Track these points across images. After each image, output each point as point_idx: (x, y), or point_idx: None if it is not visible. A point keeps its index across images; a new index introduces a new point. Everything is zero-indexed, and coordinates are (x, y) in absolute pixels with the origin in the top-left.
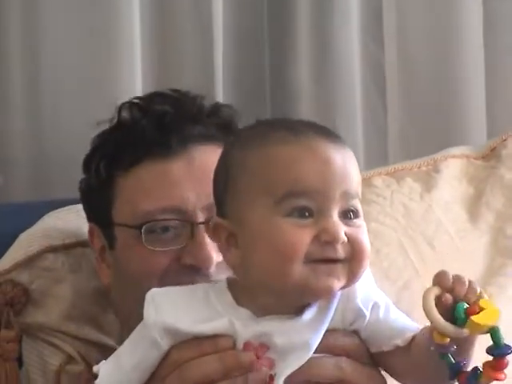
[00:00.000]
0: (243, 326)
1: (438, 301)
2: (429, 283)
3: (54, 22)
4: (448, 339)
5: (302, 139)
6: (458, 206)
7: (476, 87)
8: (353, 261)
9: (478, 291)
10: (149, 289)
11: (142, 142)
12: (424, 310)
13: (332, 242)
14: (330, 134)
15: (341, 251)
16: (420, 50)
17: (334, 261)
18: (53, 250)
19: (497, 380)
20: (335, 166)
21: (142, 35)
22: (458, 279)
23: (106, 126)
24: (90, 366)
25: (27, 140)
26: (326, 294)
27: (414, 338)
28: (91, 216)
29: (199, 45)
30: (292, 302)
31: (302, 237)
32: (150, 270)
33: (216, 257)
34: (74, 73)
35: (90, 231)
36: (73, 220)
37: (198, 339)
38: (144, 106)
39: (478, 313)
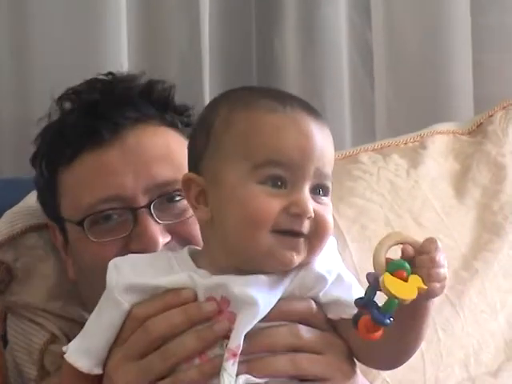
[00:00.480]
0: (202, 278)
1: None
2: None
3: None
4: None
5: (288, 110)
6: (444, 182)
7: (463, 63)
8: (315, 236)
9: (433, 264)
10: (102, 278)
11: (74, 135)
12: (379, 242)
13: (300, 215)
14: (313, 111)
15: (306, 225)
16: (407, 27)
17: (298, 234)
18: (37, 228)
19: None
20: (315, 141)
21: (128, 11)
22: (424, 245)
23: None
24: None
25: (14, 114)
26: (285, 267)
27: None
28: (46, 213)
29: (185, 20)
30: (251, 267)
31: (272, 205)
32: (100, 262)
33: (162, 238)
34: (61, 45)
35: (51, 228)
36: None
37: (159, 294)
38: (74, 98)
39: (402, 279)
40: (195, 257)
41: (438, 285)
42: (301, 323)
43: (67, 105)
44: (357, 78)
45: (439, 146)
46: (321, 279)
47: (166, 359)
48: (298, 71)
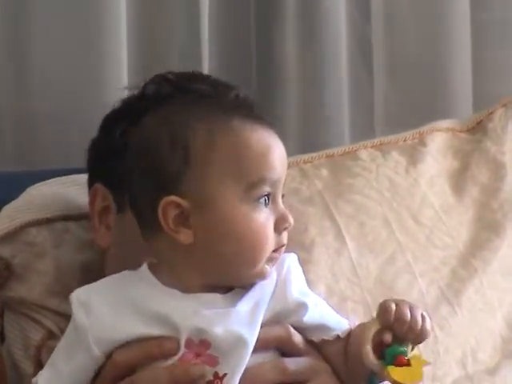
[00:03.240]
0: (182, 319)
1: (377, 336)
2: (412, 257)
3: None
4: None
5: (263, 127)
6: (443, 179)
7: (463, 60)
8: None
9: (418, 330)
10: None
11: None
12: (359, 340)
13: (287, 228)
14: (273, 125)
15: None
16: (407, 23)
17: (282, 247)
18: (36, 224)
19: None
20: (284, 154)
21: (127, 3)
22: (399, 317)
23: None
24: None
25: (13, 106)
26: (263, 279)
27: (350, 333)
28: (101, 176)
29: (185, 12)
30: (226, 284)
31: (270, 228)
32: None
33: None
34: (61, 36)
35: (94, 192)
36: (57, 193)
37: (141, 343)
38: (181, 84)
39: (404, 365)
40: (156, 273)
41: (428, 334)
42: (278, 348)
43: (165, 86)
44: (356, 74)
45: (438, 144)
46: (302, 306)
47: None
48: (297, 66)
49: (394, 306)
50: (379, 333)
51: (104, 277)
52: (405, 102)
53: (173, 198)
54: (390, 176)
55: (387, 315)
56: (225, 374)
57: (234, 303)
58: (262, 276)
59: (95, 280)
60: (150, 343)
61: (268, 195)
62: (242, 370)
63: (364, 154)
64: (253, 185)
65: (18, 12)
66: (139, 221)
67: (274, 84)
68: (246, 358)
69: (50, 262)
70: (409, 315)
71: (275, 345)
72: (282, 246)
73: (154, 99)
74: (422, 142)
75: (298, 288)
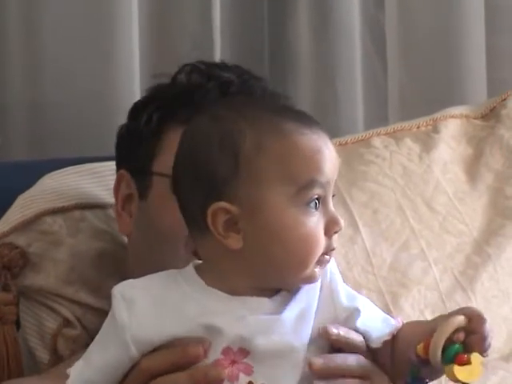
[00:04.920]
0: (226, 325)
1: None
2: (426, 244)
3: None
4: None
5: (313, 130)
6: (456, 166)
7: (476, 47)
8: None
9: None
10: (176, 243)
11: (204, 101)
12: (437, 331)
13: (338, 231)
14: (323, 128)
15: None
16: (420, 10)
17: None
18: (51, 212)
19: None
20: (336, 158)
21: None
22: (481, 333)
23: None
24: (86, 330)
25: (27, 96)
26: (312, 282)
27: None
28: (126, 162)
29: (197, 1)
30: (273, 287)
31: (321, 231)
32: (181, 226)
33: None
34: (72, 27)
35: (119, 178)
36: (72, 182)
37: (168, 349)
38: (209, 71)
39: (463, 364)
40: (202, 274)
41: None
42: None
43: (195, 74)
44: (369, 61)
45: (452, 130)
46: (354, 312)
47: None
48: (310, 54)
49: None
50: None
51: (121, 265)
52: (418, 89)
53: (222, 204)
54: (404, 163)
55: (480, 322)
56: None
57: (280, 309)
58: (312, 279)
59: (111, 268)
60: (175, 351)
61: (318, 198)
62: (285, 380)
63: (377, 142)
64: (302, 188)
65: (31, 2)
66: (187, 222)
67: (287, 73)
68: (287, 367)
69: (65, 250)
70: (484, 330)
71: (353, 351)
72: (332, 249)
73: (185, 87)
74: (436, 129)
75: (345, 294)
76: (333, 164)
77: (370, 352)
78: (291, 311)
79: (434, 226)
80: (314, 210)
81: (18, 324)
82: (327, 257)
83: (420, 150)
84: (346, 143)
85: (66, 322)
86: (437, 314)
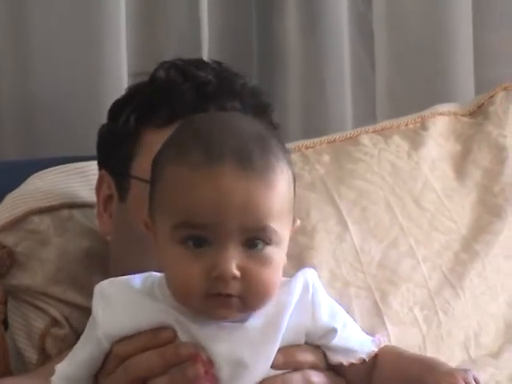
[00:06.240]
0: (185, 333)
1: None
2: (415, 242)
3: None
4: None
5: (213, 165)
6: (445, 163)
7: (464, 44)
8: (248, 296)
9: None
10: (152, 249)
11: (179, 103)
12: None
13: (221, 277)
14: (248, 160)
15: (234, 287)
16: (408, 9)
17: (227, 295)
18: (38, 212)
19: None
20: (233, 198)
21: None
22: None
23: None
24: (74, 330)
25: (15, 96)
26: (220, 320)
27: (377, 355)
28: (106, 163)
29: (185, 2)
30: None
31: (196, 274)
32: None
33: None
34: (60, 24)
35: (100, 178)
36: (60, 181)
37: (139, 333)
38: (187, 70)
39: None
40: None
41: None
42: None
43: (173, 72)
44: (358, 59)
45: (440, 127)
46: (331, 331)
47: None
48: (298, 53)
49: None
50: None
51: (107, 265)
52: (407, 87)
53: (144, 217)
54: (392, 160)
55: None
56: None
57: (246, 316)
58: (215, 319)
59: (98, 268)
60: (146, 334)
61: (200, 238)
62: None
63: (365, 139)
64: (177, 225)
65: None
66: None
67: (275, 70)
68: (246, 382)
69: (53, 249)
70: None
71: (308, 367)
72: (227, 295)
73: (162, 88)
74: (424, 126)
75: (327, 310)
76: (221, 207)
77: (343, 370)
78: (258, 319)
79: (422, 224)
80: (193, 249)
81: (5, 324)
82: (226, 300)
83: (408, 147)
84: (335, 141)
85: (54, 322)
86: (426, 312)
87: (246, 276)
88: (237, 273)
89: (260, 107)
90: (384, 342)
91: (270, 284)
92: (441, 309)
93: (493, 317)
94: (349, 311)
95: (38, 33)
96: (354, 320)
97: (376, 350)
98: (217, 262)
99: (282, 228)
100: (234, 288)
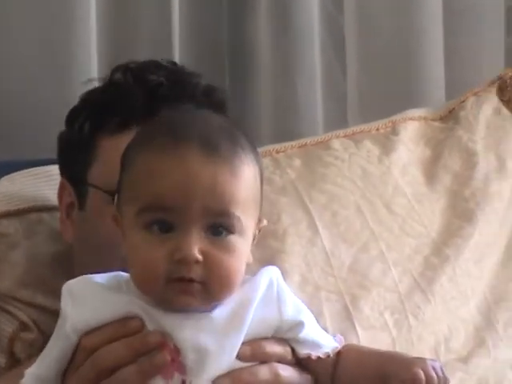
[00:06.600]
0: (152, 321)
1: None
2: (386, 246)
3: None
4: None
5: (179, 148)
6: (415, 168)
7: (435, 49)
8: (211, 282)
9: None
10: (112, 255)
11: (131, 108)
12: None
13: (183, 261)
14: (214, 146)
15: (196, 271)
16: (379, 13)
17: (190, 280)
18: (7, 215)
19: None
20: (199, 180)
21: None
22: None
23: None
24: (42, 333)
25: None
26: (184, 308)
27: (340, 352)
28: (65, 171)
29: (156, 2)
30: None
31: (159, 257)
32: (115, 239)
33: None
34: (30, 23)
35: (61, 185)
36: (29, 184)
37: (107, 324)
38: (139, 73)
39: None
40: None
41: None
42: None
43: (126, 76)
44: (329, 63)
45: (411, 132)
46: (298, 324)
47: None
48: (269, 56)
49: (422, 376)
50: None
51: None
52: (378, 90)
53: (112, 209)
54: (363, 165)
55: None
56: (190, 382)
57: (211, 308)
58: (176, 306)
59: (67, 271)
60: (113, 324)
61: (164, 222)
62: (207, 381)
63: (336, 144)
64: (142, 209)
65: None
66: None
67: (246, 72)
68: (212, 370)
69: (22, 253)
70: (435, 377)
71: (275, 360)
72: (189, 279)
73: (114, 93)
74: (395, 131)
75: (292, 306)
76: (187, 189)
77: (309, 365)
78: (222, 311)
79: (393, 228)
80: (158, 234)
81: None
82: (185, 286)
83: (379, 152)
84: (306, 145)
85: (23, 326)
86: (396, 316)
87: (209, 261)
88: (199, 257)
89: (215, 105)
90: (343, 342)
91: (232, 271)
92: (411, 313)
93: (463, 321)
94: (319, 315)
95: (4, 32)
96: (325, 324)
97: (339, 346)
98: (180, 245)
99: (246, 218)
100: (196, 272)
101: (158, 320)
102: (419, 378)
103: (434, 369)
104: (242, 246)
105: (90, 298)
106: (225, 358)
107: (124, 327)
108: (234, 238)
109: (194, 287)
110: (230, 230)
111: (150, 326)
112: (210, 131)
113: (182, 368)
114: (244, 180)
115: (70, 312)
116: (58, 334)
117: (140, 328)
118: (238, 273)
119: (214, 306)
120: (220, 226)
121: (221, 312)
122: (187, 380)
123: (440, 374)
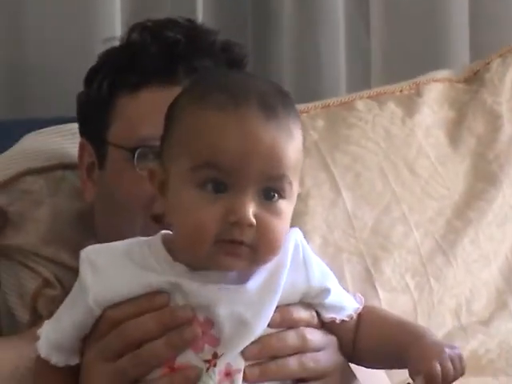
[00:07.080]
0: (185, 295)
1: None
2: (408, 208)
3: None
4: None
5: (240, 108)
6: (439, 130)
7: (460, 10)
8: (260, 246)
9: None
10: (132, 213)
11: (149, 66)
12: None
13: (238, 223)
14: (273, 108)
15: (248, 234)
16: None
17: (240, 242)
18: (31, 172)
19: None
20: (260, 144)
21: None
22: (445, 377)
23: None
24: (66, 291)
25: (5, 49)
26: (226, 270)
27: (361, 315)
28: (85, 131)
29: None
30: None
31: (211, 215)
32: (137, 196)
33: None
34: None
35: (81, 146)
36: (53, 142)
37: (133, 299)
38: (156, 31)
39: None
40: (169, 246)
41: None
42: None
43: (143, 34)
44: (353, 24)
45: (435, 94)
46: (325, 290)
47: (137, 365)
48: (293, 18)
49: (439, 370)
50: None
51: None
52: (401, 51)
53: (152, 165)
54: (387, 126)
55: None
56: (222, 354)
57: (246, 278)
58: (221, 268)
59: (90, 229)
60: (140, 299)
61: (219, 181)
62: (238, 350)
63: (360, 105)
64: (196, 167)
65: None
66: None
67: (269, 32)
68: (247, 342)
69: (46, 210)
70: (452, 369)
71: (302, 325)
72: (240, 241)
73: (132, 51)
74: (419, 93)
75: (318, 271)
76: (246, 150)
77: (333, 327)
78: (256, 281)
79: (415, 190)
80: (211, 193)
81: None
82: (233, 248)
83: (403, 113)
84: (329, 106)
85: (46, 283)
86: (417, 278)
87: (261, 225)
88: (254, 220)
89: (233, 61)
90: (363, 301)
91: (280, 236)
92: (433, 276)
93: (485, 284)
94: (341, 277)
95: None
96: (346, 286)
97: (360, 306)
98: (235, 208)
99: (295, 182)
100: (248, 236)
101: (189, 293)
102: (435, 373)
103: (452, 360)
104: (289, 210)
105: (114, 270)
106: (259, 327)
107: (151, 302)
108: (283, 203)
109: (243, 250)
110: (281, 195)
111: (180, 300)
112: (268, 93)
113: (213, 340)
114: (298, 144)
115: (90, 283)
116: (75, 301)
117: (167, 303)
118: (284, 238)
119: (249, 276)
120: (273, 190)
121: (255, 282)
122: (219, 352)
123: (458, 364)
